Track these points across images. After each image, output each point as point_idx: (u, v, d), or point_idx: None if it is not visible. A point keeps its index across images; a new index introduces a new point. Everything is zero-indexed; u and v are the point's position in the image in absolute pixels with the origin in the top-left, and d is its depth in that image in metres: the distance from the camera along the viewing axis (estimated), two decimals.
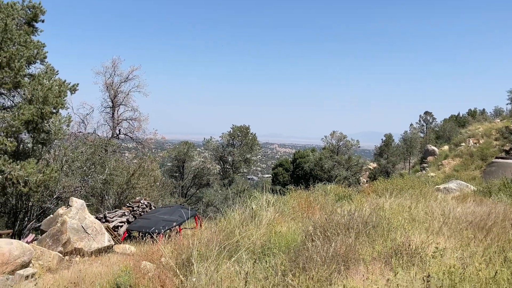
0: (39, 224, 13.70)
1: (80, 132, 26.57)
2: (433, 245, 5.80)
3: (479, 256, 5.46)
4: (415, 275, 4.66)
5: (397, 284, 4.24)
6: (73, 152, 17.06)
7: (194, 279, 5.06)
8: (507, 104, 43.56)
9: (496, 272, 4.58)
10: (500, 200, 10.89)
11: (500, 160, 26.20)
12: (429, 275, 4.24)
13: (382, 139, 47.91)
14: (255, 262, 6.03)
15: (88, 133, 26.87)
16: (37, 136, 13.88)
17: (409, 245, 5.76)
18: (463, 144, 36.29)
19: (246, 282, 4.78)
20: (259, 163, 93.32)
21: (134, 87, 28.87)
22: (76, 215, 11.87)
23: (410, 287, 4.13)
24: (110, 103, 28.49)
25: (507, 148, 31.82)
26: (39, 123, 13.26)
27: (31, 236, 12.59)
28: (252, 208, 8.77)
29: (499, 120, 40.29)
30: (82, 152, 18.33)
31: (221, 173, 38.83)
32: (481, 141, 35.38)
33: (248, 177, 46.24)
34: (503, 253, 5.50)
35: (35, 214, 15.17)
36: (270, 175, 56.54)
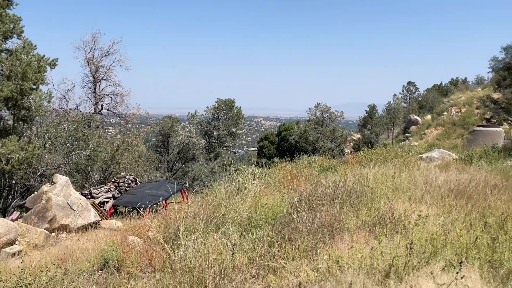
0: (23, 202, 13.60)
1: (61, 108, 26.19)
2: (416, 213, 5.90)
3: (460, 222, 5.59)
4: (399, 243, 4.76)
5: (381, 252, 4.33)
6: (56, 129, 16.83)
7: (181, 252, 5.09)
8: (488, 72, 43.84)
9: (477, 238, 4.70)
10: (481, 168, 11.08)
11: (481, 128, 26.58)
12: (412, 242, 4.33)
13: (366, 110, 48.06)
14: (241, 234, 6.09)
15: (70, 109, 26.52)
16: (17, 113, 13.63)
17: (393, 213, 5.85)
18: (446, 113, 36.64)
19: (233, 253, 4.83)
20: (244, 137, 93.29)
21: (115, 61, 28.44)
22: (61, 192, 11.80)
23: (394, 254, 4.22)
24: (92, 78, 28.02)
25: (488, 117, 32.24)
26: (19, 100, 13.00)
27: (15, 214, 12.51)
28: (238, 181, 8.81)
29: (480, 89, 40.62)
30: (64, 128, 18.09)
31: (207, 147, 38.73)
32: (463, 110, 35.75)
33: (233, 150, 46.23)
34: (483, 218, 5.64)
35: (19, 192, 15.04)
36: (256, 149, 56.59)
